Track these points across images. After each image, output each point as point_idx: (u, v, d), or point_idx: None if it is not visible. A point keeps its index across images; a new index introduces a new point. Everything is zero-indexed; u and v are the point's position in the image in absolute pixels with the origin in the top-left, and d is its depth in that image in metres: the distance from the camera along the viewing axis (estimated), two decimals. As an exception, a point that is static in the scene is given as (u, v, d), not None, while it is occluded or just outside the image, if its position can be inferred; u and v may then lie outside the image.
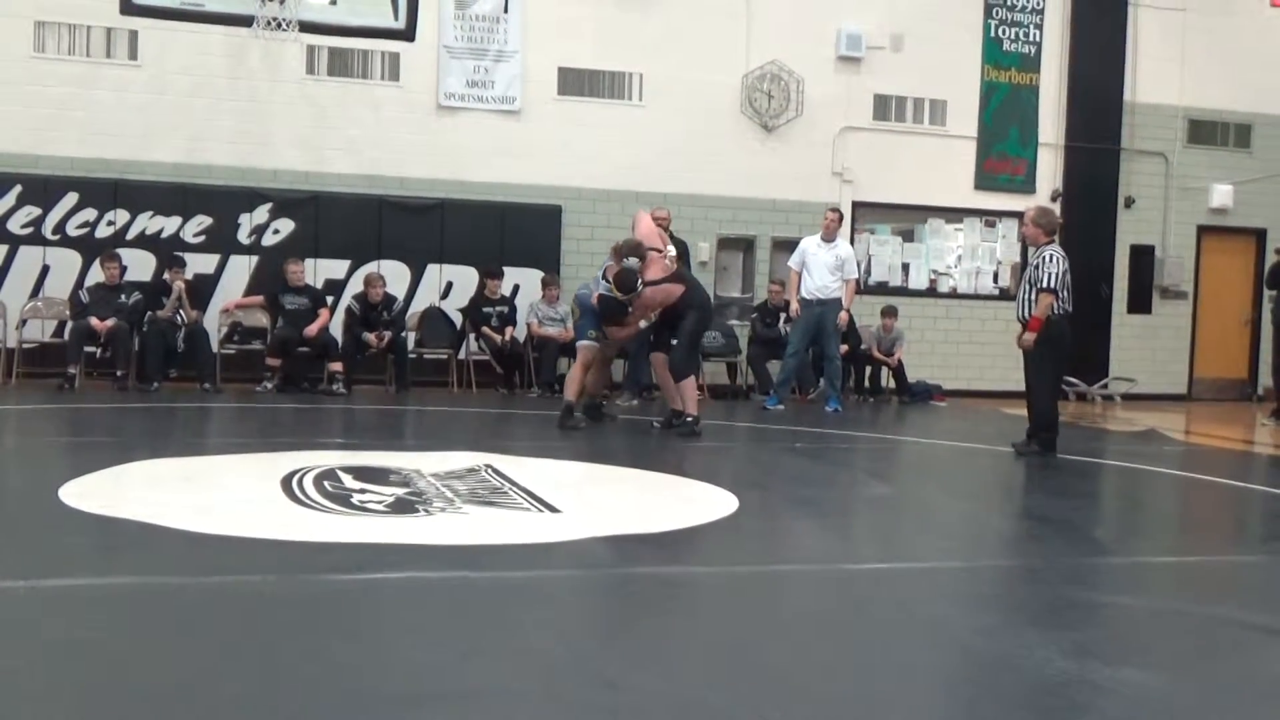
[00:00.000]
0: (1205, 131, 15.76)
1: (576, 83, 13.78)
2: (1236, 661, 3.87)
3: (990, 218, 15.26)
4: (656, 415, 10.15)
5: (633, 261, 9.14)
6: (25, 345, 12.07)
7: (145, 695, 3.10)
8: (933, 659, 3.82)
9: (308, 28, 12.13)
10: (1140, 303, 15.66)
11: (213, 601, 4.12)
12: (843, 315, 11.99)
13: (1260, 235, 15.98)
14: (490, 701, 3.12)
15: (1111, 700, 3.32)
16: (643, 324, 9.54)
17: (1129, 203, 15.50)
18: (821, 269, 11.97)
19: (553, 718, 3.04)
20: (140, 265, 12.33)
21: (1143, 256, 15.64)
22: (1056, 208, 14.74)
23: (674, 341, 9.45)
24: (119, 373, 11.49)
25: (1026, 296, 8.87)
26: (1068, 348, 8.98)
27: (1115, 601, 4.67)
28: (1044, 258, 8.75)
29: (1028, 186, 15.14)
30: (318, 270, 12.88)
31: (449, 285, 13.31)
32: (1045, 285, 8.66)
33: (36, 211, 12.29)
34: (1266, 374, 14.42)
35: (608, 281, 9.23)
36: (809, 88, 14.29)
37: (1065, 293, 8.74)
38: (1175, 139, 15.65)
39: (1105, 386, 15.09)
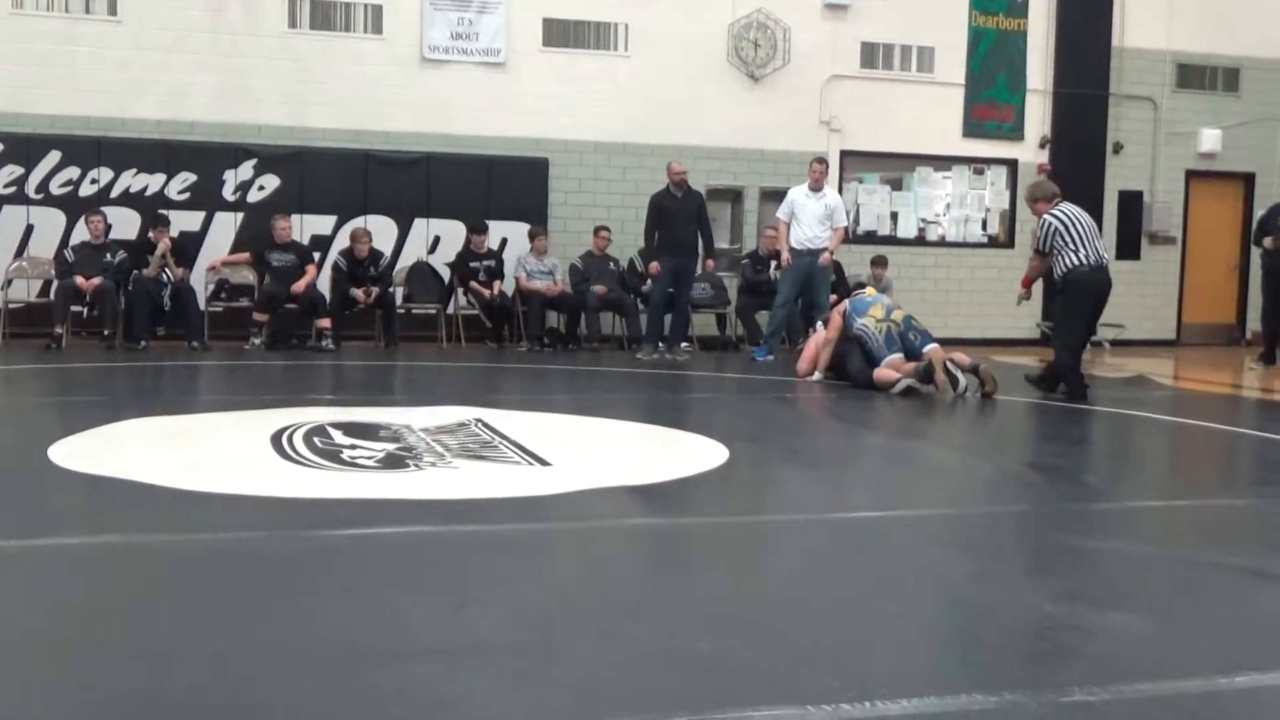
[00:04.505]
0: (1193, 75, 15.70)
1: (562, 34, 13.67)
2: (1223, 604, 3.90)
3: (979, 165, 15.21)
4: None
5: None
6: (11, 305, 12.02)
7: (136, 653, 3.11)
8: (924, 606, 3.84)
9: (289, -20, 12.01)
10: (1129, 249, 15.65)
11: (203, 559, 4.13)
12: (825, 256, 11.94)
13: (1249, 179, 15.96)
14: (483, 655, 3.13)
15: (1099, 644, 3.34)
16: None
17: (1117, 148, 15.46)
18: (811, 219, 11.93)
19: (545, 670, 3.05)
20: (125, 223, 12.27)
21: (1131, 202, 15.61)
22: (1045, 154, 14.75)
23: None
24: (106, 332, 11.47)
25: (1055, 259, 9.15)
26: (1090, 298, 9.19)
27: (1104, 546, 4.69)
28: (1039, 224, 9.21)
29: (1016, 133, 15.09)
30: (304, 226, 12.82)
31: (436, 239, 13.26)
32: (1033, 247, 9.30)
33: (19, 170, 12.21)
34: (1255, 318, 14.44)
35: None
36: (796, 36, 14.20)
37: (1075, 246, 9.00)
38: (1163, 83, 15.59)
39: (1094, 333, 15.09)
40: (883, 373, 9.26)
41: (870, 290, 10.24)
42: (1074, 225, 9.04)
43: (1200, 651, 3.30)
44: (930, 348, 9.32)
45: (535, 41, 13.58)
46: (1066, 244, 9.00)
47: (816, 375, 9.95)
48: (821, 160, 12.32)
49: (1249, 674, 3.09)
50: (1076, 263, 8.99)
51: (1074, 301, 9.16)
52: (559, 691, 2.89)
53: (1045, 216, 9.11)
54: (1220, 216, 16.09)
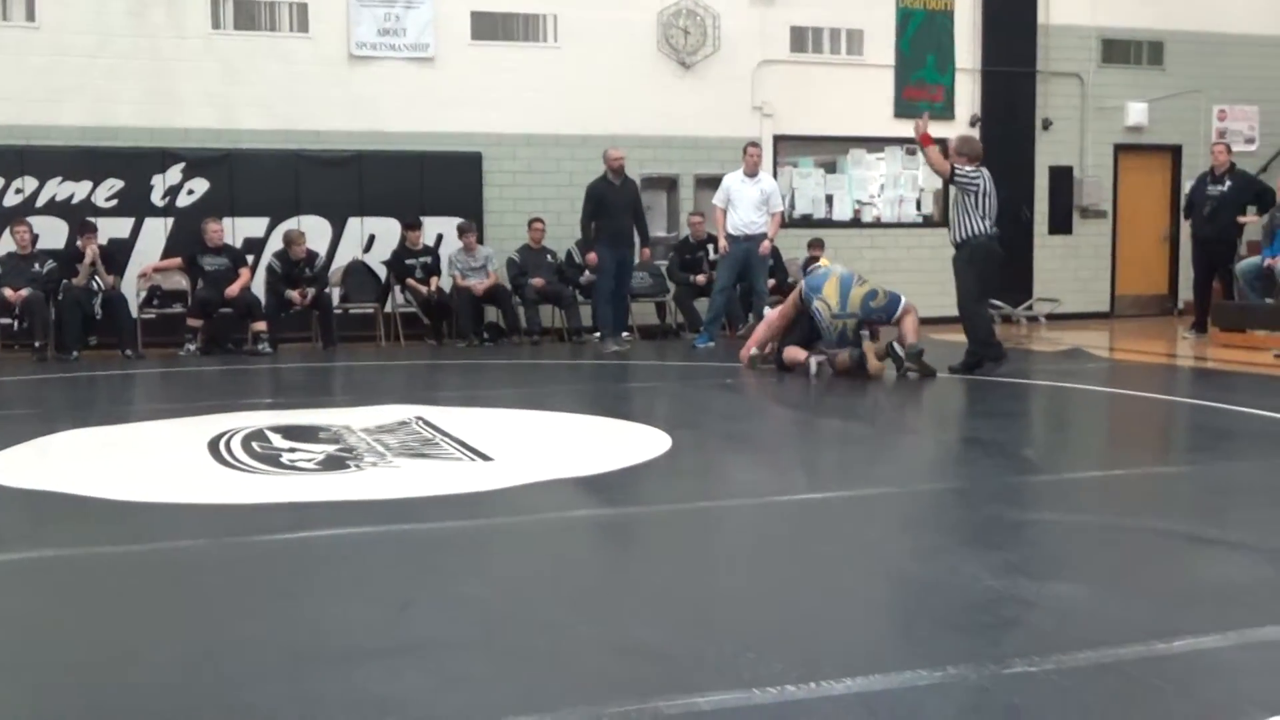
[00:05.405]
0: (1118, 50, 15.88)
1: (490, 26, 13.59)
2: (1160, 571, 3.96)
3: (911, 145, 15.26)
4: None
5: None
6: (-62, 320, 11.77)
7: (81, 666, 3.06)
8: (867, 584, 3.86)
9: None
10: (1061, 223, 15.83)
11: (142, 569, 4.08)
12: (765, 244, 12.01)
13: (1175, 151, 16.18)
14: (428, 654, 3.11)
15: (1039, 614, 3.38)
16: None
17: (1046, 124, 15.62)
18: (747, 205, 11.96)
19: (491, 666, 3.04)
20: (52, 233, 12.06)
21: (1061, 177, 15.79)
22: (976, 133, 14.85)
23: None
24: (37, 343, 11.27)
25: (957, 219, 9.34)
26: (991, 266, 9.43)
27: (1043, 518, 4.75)
28: (973, 171, 9.31)
29: (947, 113, 15.18)
30: (236, 229, 12.66)
31: (371, 238, 13.15)
32: (950, 163, 9.33)
33: (-59, 183, 11.98)
34: (1186, 288, 14.67)
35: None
36: (725, 22, 14.21)
37: (984, 214, 9.22)
38: (1089, 59, 15.76)
39: (1030, 308, 15.29)
40: (791, 353, 9.46)
41: (825, 261, 10.14)
42: (990, 195, 9.27)
43: (1139, 618, 3.35)
44: (898, 310, 9.38)
45: (464, 35, 13.50)
46: (976, 207, 9.21)
47: (753, 350, 9.91)
48: (756, 145, 12.37)
49: (1186, 638, 3.14)
50: (979, 230, 9.21)
51: (979, 268, 9.30)
52: (503, 686, 2.88)
53: (984, 171, 9.30)
54: (1149, 189, 16.31)
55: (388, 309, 12.98)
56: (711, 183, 13.13)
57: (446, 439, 6.38)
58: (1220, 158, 12.78)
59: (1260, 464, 5.91)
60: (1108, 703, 2.75)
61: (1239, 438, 6.83)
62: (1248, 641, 3.15)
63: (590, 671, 3.01)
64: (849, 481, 5.69)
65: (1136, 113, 15.83)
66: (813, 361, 9.21)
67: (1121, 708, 2.72)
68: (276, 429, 6.71)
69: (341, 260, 13.01)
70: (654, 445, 6.25)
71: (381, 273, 13.00)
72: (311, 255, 12.36)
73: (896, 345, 9.20)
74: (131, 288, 12.13)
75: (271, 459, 5.89)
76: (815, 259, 10.83)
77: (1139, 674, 2.90)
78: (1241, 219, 12.70)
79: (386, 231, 13.05)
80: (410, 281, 12.69)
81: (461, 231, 12.82)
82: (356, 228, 13.13)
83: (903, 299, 9.47)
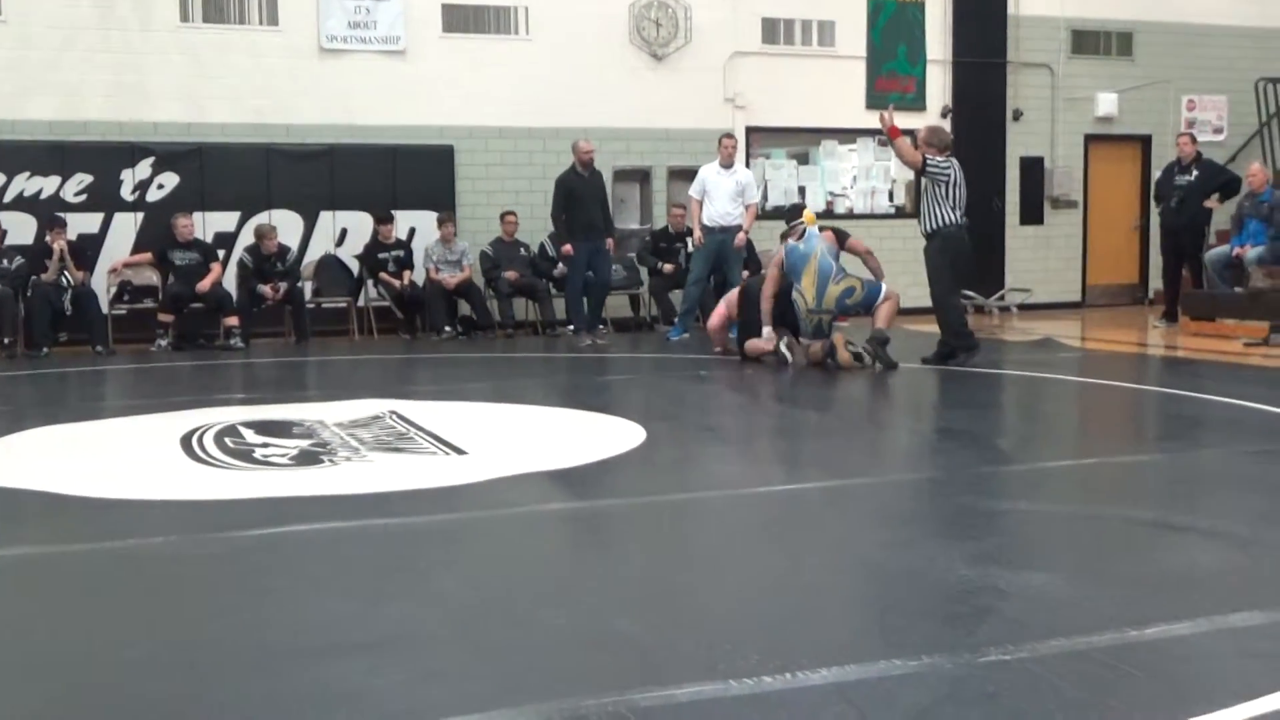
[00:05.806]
0: (1088, 41, 15.95)
1: (461, 19, 13.53)
2: (1131, 558, 3.99)
3: (883, 137, 15.30)
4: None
5: None
6: (-95, 317, 11.65)
7: (55, 663, 3.05)
8: (841, 575, 3.88)
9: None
10: (1032, 214, 15.90)
11: (117, 566, 4.06)
12: (740, 237, 12.02)
13: (1145, 141, 16.27)
14: (403, 648, 3.10)
15: (1013, 603, 3.40)
16: None
17: (1017, 115, 15.67)
18: (723, 196, 11.97)
19: (466, 660, 3.03)
20: (21, 228, 11.93)
21: (1032, 168, 15.85)
22: (947, 124, 14.90)
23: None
24: (5, 340, 11.16)
25: (928, 210, 9.37)
26: (961, 256, 9.47)
27: (1015, 508, 4.77)
28: (943, 161, 9.35)
29: (918, 104, 15.22)
30: (206, 224, 12.57)
31: (343, 232, 13.09)
32: (920, 154, 9.40)
33: (-93, 178, 11.85)
34: (1156, 278, 14.76)
35: None
36: (697, 14, 14.20)
37: (954, 204, 9.27)
38: (1059, 50, 15.82)
39: (1001, 298, 15.34)
40: (754, 344, 9.54)
41: (809, 217, 9.88)
42: (959, 185, 9.31)
43: (1111, 605, 3.37)
44: (878, 300, 9.45)
45: (435, 28, 13.43)
46: (947, 198, 9.27)
47: (767, 331, 9.64)
48: (731, 136, 12.37)
49: (1158, 625, 3.17)
50: (950, 220, 9.27)
51: (949, 257, 9.36)
52: (478, 680, 2.88)
53: (954, 161, 9.36)
54: (1120, 179, 16.39)
55: (360, 303, 12.94)
56: (684, 175, 13.13)
57: (420, 433, 6.36)
58: (1186, 148, 12.86)
59: (1230, 451, 5.96)
60: (1081, 690, 2.76)
61: (1209, 426, 6.88)
62: (1218, 628, 3.17)
63: (566, 664, 3.01)
64: (824, 473, 5.70)
65: (1106, 103, 15.90)
66: (783, 346, 9.27)
67: (1095, 695, 2.74)
68: (249, 424, 6.68)
69: (313, 254, 12.94)
70: (628, 438, 6.25)
71: (354, 267, 12.95)
72: (283, 249, 12.30)
73: (859, 343, 9.24)
74: (102, 283, 12.04)
75: (244, 454, 5.86)
76: (798, 212, 10.18)
77: (1112, 661, 2.92)
78: (1207, 203, 12.76)
79: (358, 225, 13.00)
80: (383, 275, 12.64)
81: (440, 223, 12.78)
82: (328, 221, 13.06)
83: (884, 288, 9.51)
